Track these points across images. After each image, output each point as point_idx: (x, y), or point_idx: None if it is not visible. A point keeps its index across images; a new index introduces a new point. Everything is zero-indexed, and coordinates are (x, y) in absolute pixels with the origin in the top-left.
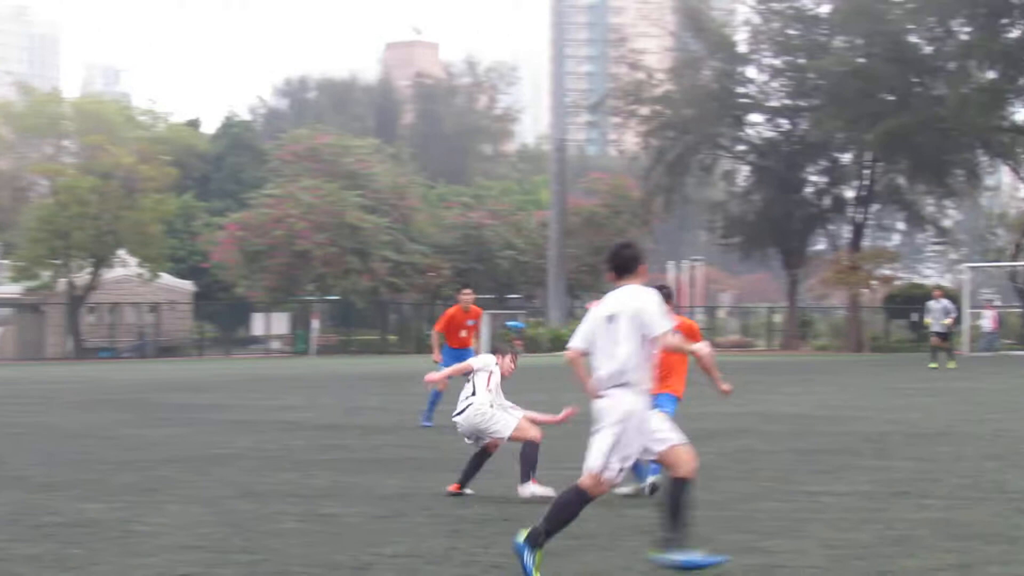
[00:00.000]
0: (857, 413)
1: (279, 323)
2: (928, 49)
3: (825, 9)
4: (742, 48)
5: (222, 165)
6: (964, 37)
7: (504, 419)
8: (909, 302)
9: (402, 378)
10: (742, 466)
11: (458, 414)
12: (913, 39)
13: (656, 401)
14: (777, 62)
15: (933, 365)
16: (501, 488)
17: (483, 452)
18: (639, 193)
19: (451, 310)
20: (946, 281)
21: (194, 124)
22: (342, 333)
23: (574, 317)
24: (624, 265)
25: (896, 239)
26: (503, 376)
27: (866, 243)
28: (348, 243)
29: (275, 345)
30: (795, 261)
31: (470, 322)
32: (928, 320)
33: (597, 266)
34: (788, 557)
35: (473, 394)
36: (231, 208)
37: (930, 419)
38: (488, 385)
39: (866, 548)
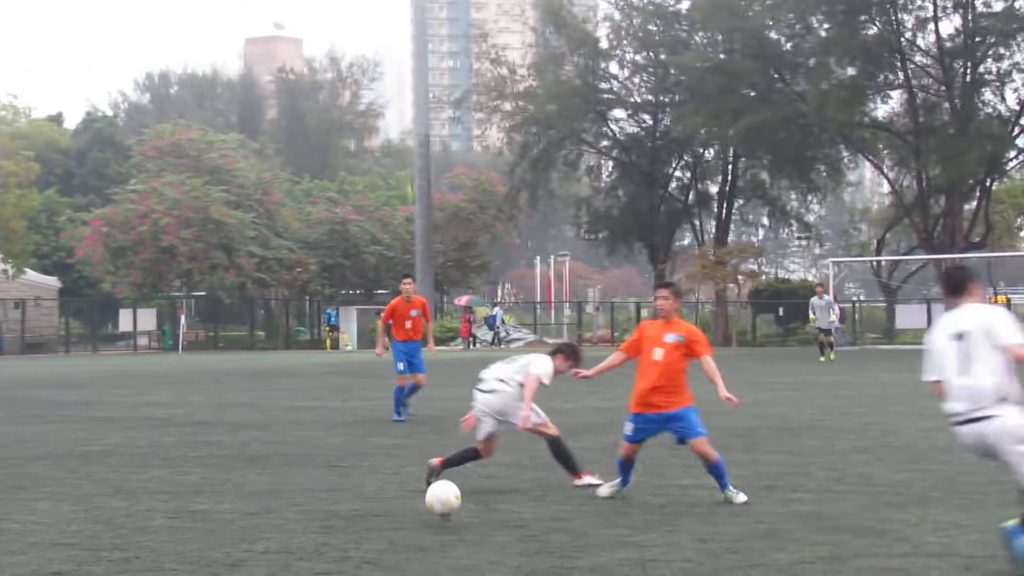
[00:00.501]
0: (725, 407)
1: (146, 319)
2: (788, 45)
3: (685, 5)
4: (604, 44)
5: (85, 160)
6: (823, 34)
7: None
8: (775, 297)
9: (270, 374)
10: (611, 461)
11: (484, 392)
12: (773, 35)
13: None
14: (639, 58)
15: (824, 359)
16: (373, 484)
17: (476, 453)
18: (504, 188)
19: (394, 301)
20: (811, 276)
21: (56, 119)
22: (210, 329)
23: (443, 312)
24: (957, 285)
25: (761, 234)
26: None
27: (731, 238)
28: (213, 238)
29: (142, 341)
30: (661, 256)
31: (414, 312)
32: (813, 316)
33: (463, 261)
34: (661, 551)
35: (502, 380)
36: (95, 204)
37: (797, 413)
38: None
39: (738, 541)
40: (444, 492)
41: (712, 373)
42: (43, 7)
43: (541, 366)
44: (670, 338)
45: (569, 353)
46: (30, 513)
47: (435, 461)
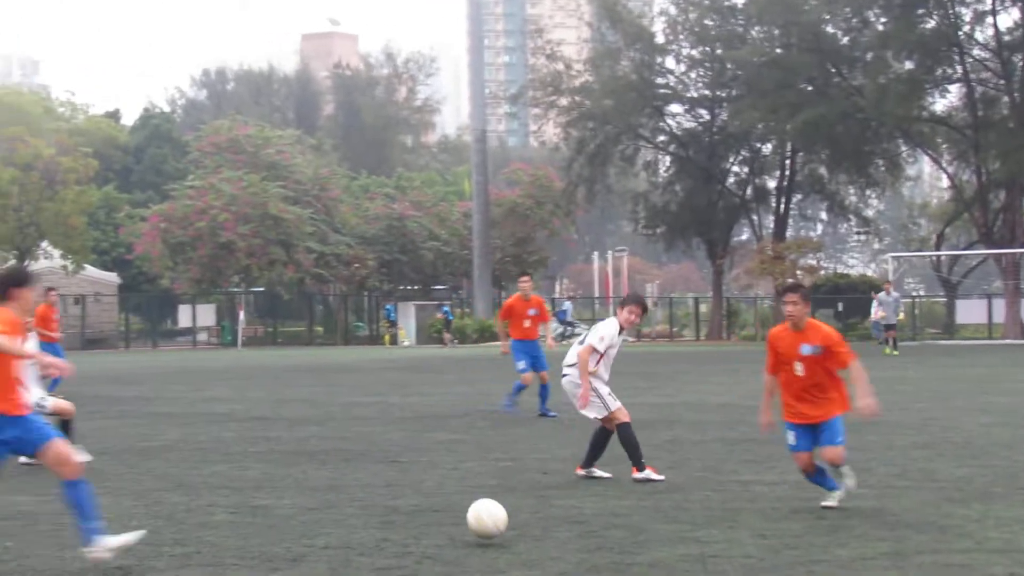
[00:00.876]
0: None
1: (205, 315)
2: (845, 39)
3: (741, 0)
4: (660, 39)
5: (143, 157)
6: (880, 27)
7: (594, 401)
8: (834, 292)
9: (329, 370)
10: (672, 456)
11: (563, 376)
12: (830, 29)
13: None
14: (695, 53)
15: (888, 351)
16: (433, 479)
17: (603, 431)
18: (561, 184)
19: (511, 299)
20: (871, 271)
21: (114, 116)
22: (268, 325)
23: (499, 307)
24: None
25: (819, 229)
26: (621, 328)
27: (789, 233)
28: (272, 234)
29: (202, 337)
30: (719, 251)
31: (532, 311)
32: (882, 313)
33: (521, 257)
34: (721, 547)
35: (571, 365)
36: (153, 200)
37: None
38: (597, 364)
39: (799, 537)
40: (495, 513)
41: (856, 379)
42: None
43: (593, 334)
44: (806, 350)
45: (634, 303)
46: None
47: (579, 471)
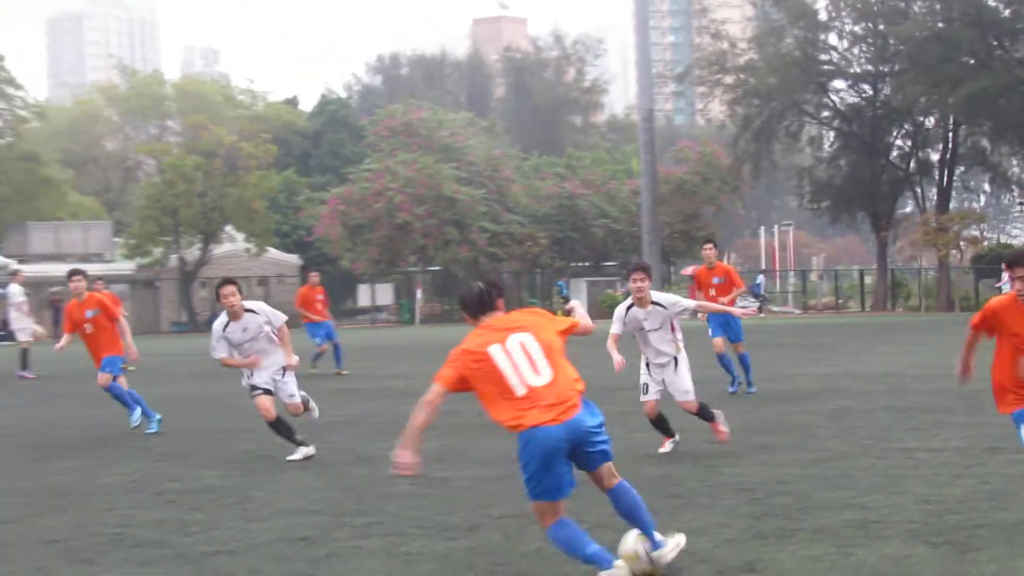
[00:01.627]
0: (949, 371)
1: (384, 294)
2: (1007, 12)
3: None
4: (822, 16)
5: (321, 142)
6: None
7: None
8: (997, 262)
9: None
10: (838, 425)
11: None
12: (991, 2)
13: None
14: (857, 29)
15: None
16: None
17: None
18: (727, 160)
19: (697, 270)
20: None
21: (291, 103)
22: (445, 302)
23: (669, 283)
24: None
25: (982, 200)
26: (632, 303)
27: (952, 205)
28: (446, 215)
29: (381, 315)
30: (883, 224)
31: (716, 279)
32: None
33: (689, 232)
34: (885, 512)
35: None
36: (331, 183)
37: None
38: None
39: (961, 503)
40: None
41: None
42: None
43: None
44: None
45: (633, 269)
46: (276, 482)
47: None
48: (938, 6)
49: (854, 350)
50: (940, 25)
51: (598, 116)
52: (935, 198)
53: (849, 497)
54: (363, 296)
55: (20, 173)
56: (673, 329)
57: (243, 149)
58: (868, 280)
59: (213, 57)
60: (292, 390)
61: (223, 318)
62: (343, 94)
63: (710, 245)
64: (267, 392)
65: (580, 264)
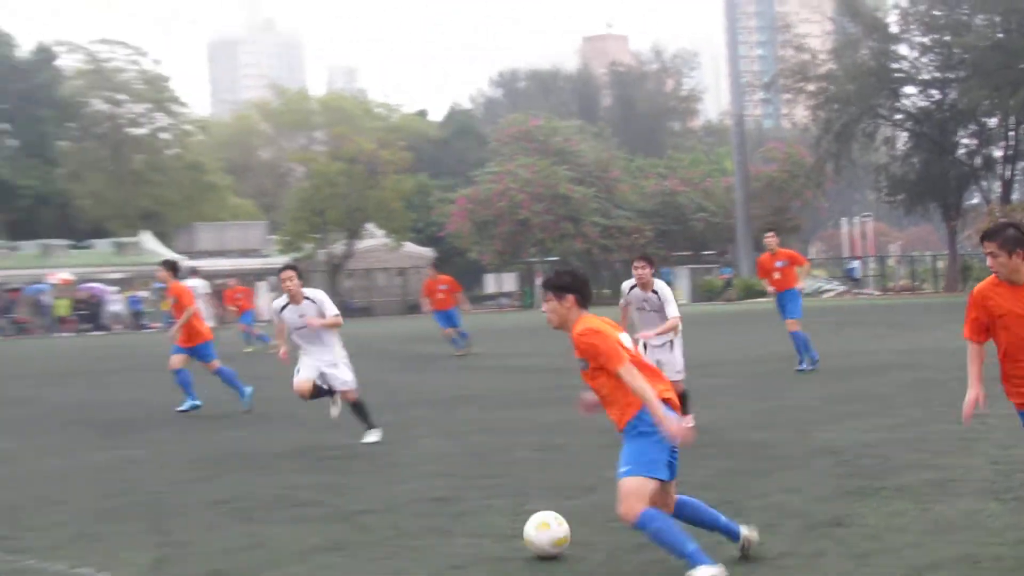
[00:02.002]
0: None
1: (508, 282)
2: None
3: None
4: (894, 28)
5: (449, 148)
6: None
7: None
8: None
9: None
10: (916, 394)
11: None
12: None
13: None
14: (926, 40)
15: None
16: (706, 417)
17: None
18: (811, 159)
19: (761, 256)
20: None
21: (421, 114)
22: None
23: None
24: None
25: None
26: (634, 284)
27: (1015, 196)
28: (562, 211)
29: (506, 301)
30: (953, 214)
31: (779, 263)
32: None
33: (778, 224)
34: (960, 472)
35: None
36: (459, 184)
37: None
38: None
39: None
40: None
41: None
42: (407, 16)
43: None
44: None
45: (636, 258)
46: (415, 449)
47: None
48: (998, 19)
49: (929, 327)
50: (1000, 36)
51: (694, 121)
52: (999, 190)
53: (927, 459)
54: (489, 284)
55: (187, 180)
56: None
57: (381, 156)
58: (940, 264)
59: (351, 75)
60: (345, 378)
61: (283, 300)
62: (470, 106)
63: (771, 233)
64: (308, 378)
65: (681, 254)
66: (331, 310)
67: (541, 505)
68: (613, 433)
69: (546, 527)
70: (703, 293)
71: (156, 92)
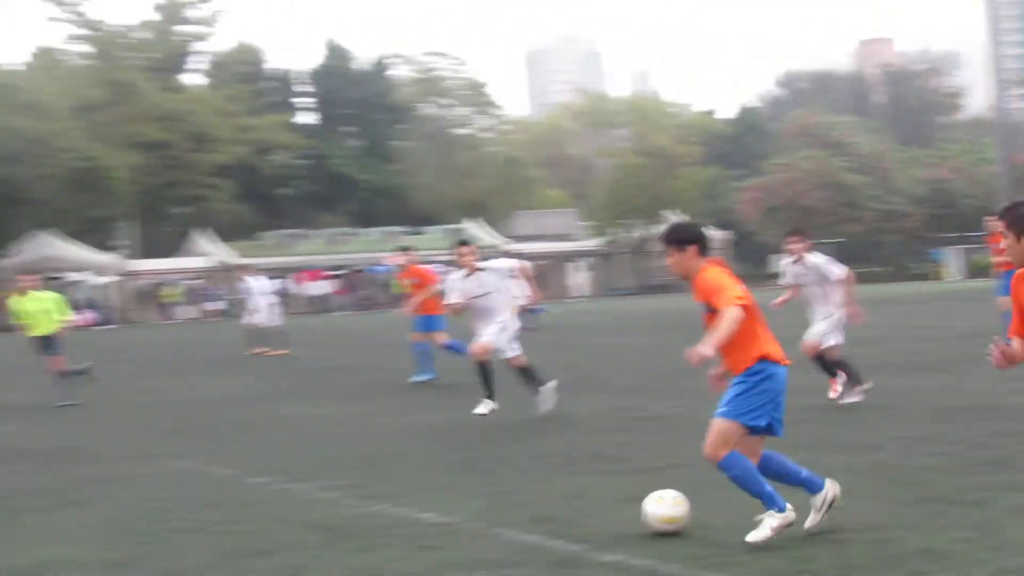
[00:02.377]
0: None
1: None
2: None
3: None
4: None
5: (740, 143)
6: None
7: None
8: None
9: (891, 301)
10: None
11: None
12: None
13: None
14: None
15: None
16: (980, 384)
17: None
18: None
19: (993, 238)
20: None
21: (709, 113)
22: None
23: None
24: None
25: None
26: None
27: None
28: (840, 198)
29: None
30: None
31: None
32: None
33: None
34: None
35: None
36: (748, 175)
37: None
38: None
39: None
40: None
41: None
42: (697, 22)
43: None
44: None
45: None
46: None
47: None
48: None
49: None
50: None
51: (960, 115)
52: None
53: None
54: (774, 264)
55: (506, 173)
56: None
57: (677, 151)
58: None
59: (644, 78)
60: (512, 344)
61: (462, 272)
62: (758, 104)
63: (993, 216)
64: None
65: (950, 235)
66: (507, 268)
67: (833, 461)
68: (887, 396)
69: (660, 501)
70: (976, 270)
71: (476, 96)
